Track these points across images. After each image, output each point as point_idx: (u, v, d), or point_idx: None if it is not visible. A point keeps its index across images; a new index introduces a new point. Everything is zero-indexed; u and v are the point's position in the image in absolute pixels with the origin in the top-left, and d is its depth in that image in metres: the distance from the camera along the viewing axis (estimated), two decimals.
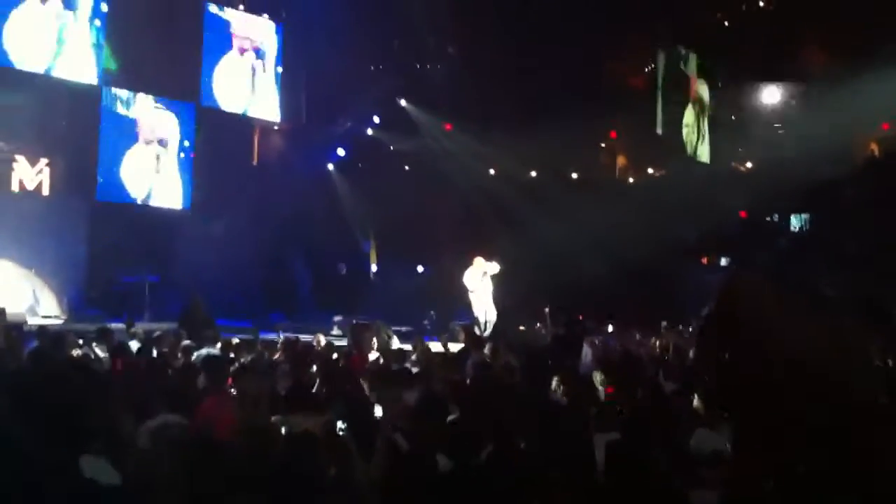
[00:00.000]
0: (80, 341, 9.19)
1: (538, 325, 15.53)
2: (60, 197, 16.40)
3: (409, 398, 6.18)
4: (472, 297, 14.26)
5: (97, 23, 16.41)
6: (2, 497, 2.45)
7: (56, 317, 14.66)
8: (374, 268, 22.33)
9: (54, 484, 2.49)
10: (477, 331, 13.76)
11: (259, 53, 19.39)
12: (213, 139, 18.51)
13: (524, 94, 19.60)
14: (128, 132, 17.23)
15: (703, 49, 21.24)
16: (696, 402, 6.37)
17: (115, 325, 10.66)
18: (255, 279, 18.78)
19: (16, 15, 15.32)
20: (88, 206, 16.77)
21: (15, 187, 15.77)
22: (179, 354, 8.59)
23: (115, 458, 3.32)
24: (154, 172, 17.58)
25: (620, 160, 23.92)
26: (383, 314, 14.20)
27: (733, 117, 21.37)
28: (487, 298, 14.23)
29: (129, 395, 5.52)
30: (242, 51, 18.97)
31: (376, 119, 21.70)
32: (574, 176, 22.68)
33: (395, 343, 11.17)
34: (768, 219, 21.41)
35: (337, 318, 15.67)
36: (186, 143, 18.08)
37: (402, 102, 21.41)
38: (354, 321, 13.95)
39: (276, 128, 20.33)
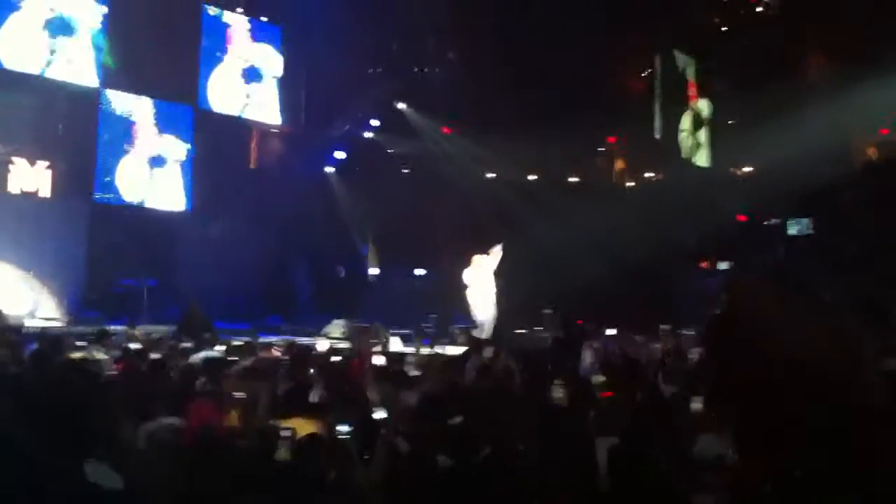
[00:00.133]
0: (80, 343, 9.19)
1: (537, 328, 15.53)
2: (59, 199, 16.39)
3: (408, 398, 6.19)
4: (471, 295, 14.23)
5: (97, 25, 16.43)
6: (7, 500, 2.45)
7: (55, 319, 14.64)
8: (372, 270, 22.32)
9: (58, 488, 2.49)
10: (476, 333, 13.77)
11: (258, 56, 19.41)
12: (211, 142, 18.50)
13: (523, 98, 19.59)
14: (126, 134, 17.24)
15: (702, 53, 21.27)
16: (695, 405, 6.38)
17: (114, 328, 10.67)
18: (254, 282, 18.77)
19: (14, 16, 15.33)
20: (87, 208, 16.76)
21: (14, 189, 15.76)
22: (178, 357, 8.59)
23: (117, 462, 3.31)
24: (152, 174, 17.58)
25: (619, 164, 23.92)
26: (382, 317, 14.20)
27: (732, 121, 21.37)
28: (488, 298, 14.21)
29: (129, 398, 5.52)
30: (240, 44, 19.00)
31: (375, 122, 21.70)
32: (572, 180, 22.69)
33: (393, 345, 11.18)
34: (767, 223, 21.40)
35: (336, 321, 15.65)
36: (187, 146, 18.09)
37: (401, 105, 21.43)
38: (354, 324, 13.99)
39: (274, 130, 20.34)
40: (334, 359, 9.05)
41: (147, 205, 17.54)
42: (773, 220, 20.90)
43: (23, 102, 15.87)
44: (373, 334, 11.19)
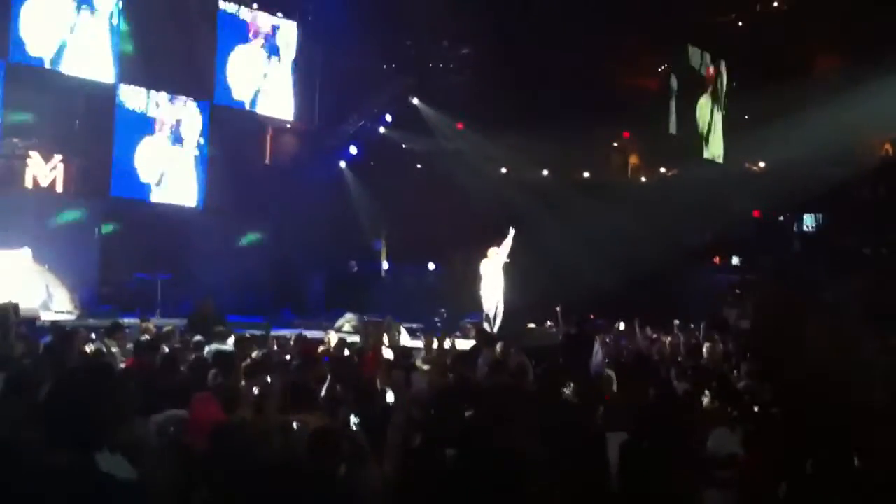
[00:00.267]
0: (93, 336, 9.24)
1: (549, 323, 15.51)
2: (74, 194, 16.46)
3: (417, 382, 6.19)
4: (484, 287, 14.22)
5: (113, 21, 16.49)
6: (19, 490, 2.47)
7: (69, 312, 14.71)
8: (385, 266, 22.35)
9: (70, 478, 2.50)
10: (486, 326, 13.77)
11: (273, 49, 19.44)
12: (226, 138, 18.53)
13: (537, 94, 19.57)
14: (142, 129, 17.29)
15: (717, 50, 21.21)
16: (706, 401, 6.37)
17: (127, 321, 10.72)
18: (267, 277, 18.81)
19: (30, 11, 15.40)
20: (102, 203, 16.83)
21: (29, 184, 15.83)
22: (190, 350, 8.62)
23: (129, 454, 3.33)
24: (168, 167, 17.64)
25: (633, 160, 23.89)
26: (394, 312, 14.21)
27: (746, 117, 21.30)
28: (498, 291, 14.19)
29: (141, 391, 5.54)
30: (256, 38, 19.05)
31: (389, 118, 21.71)
32: (586, 175, 22.66)
33: (405, 339, 11.20)
34: (781, 218, 21.33)
35: (348, 315, 15.67)
36: (201, 141, 18.15)
37: (415, 101, 21.42)
38: (366, 318, 14.00)
39: (288, 126, 20.37)
40: (346, 353, 9.07)
41: (161, 200, 17.59)
42: (786, 216, 20.85)
43: (39, 97, 15.93)
44: (385, 329, 11.19)
